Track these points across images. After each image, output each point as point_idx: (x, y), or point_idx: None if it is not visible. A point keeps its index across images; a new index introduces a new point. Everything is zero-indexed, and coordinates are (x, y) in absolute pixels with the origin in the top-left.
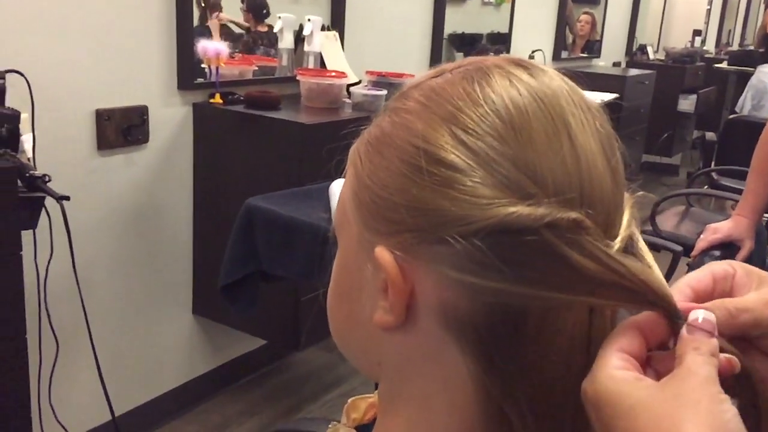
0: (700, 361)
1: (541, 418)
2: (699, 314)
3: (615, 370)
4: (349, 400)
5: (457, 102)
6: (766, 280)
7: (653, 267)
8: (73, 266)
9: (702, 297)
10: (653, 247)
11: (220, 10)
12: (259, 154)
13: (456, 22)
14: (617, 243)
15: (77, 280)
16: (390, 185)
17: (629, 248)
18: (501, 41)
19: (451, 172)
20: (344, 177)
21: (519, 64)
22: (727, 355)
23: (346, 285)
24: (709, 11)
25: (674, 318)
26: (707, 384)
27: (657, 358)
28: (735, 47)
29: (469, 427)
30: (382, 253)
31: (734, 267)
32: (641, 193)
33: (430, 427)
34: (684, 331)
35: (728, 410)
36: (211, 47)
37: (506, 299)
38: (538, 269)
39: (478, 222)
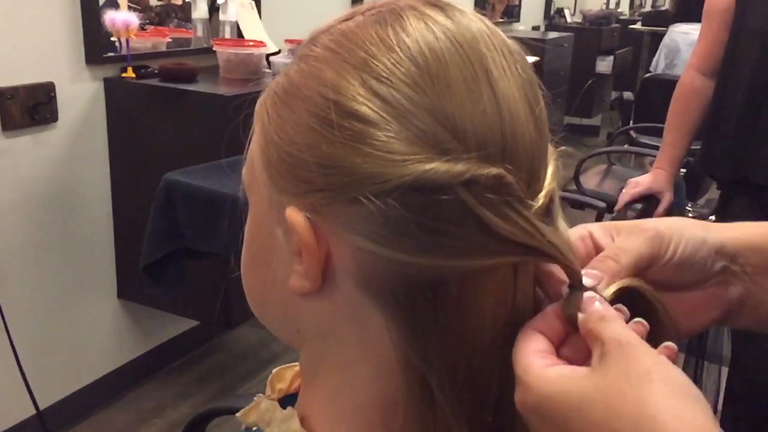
0: (619, 328)
1: (462, 387)
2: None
3: (543, 369)
4: (274, 371)
5: (370, 48)
6: (620, 227)
7: (564, 227)
8: None
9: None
10: (578, 205)
11: None
12: (177, 128)
13: None
14: (541, 198)
15: None
16: (299, 141)
17: (552, 203)
18: None
19: (364, 126)
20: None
21: (435, 4)
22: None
23: (258, 249)
24: None
25: (577, 284)
26: (646, 349)
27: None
28: (648, 8)
29: (393, 396)
30: (293, 215)
31: (588, 228)
32: (563, 148)
33: (353, 396)
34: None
35: (676, 369)
36: (120, 18)
37: (422, 270)
38: (453, 235)
39: (392, 180)
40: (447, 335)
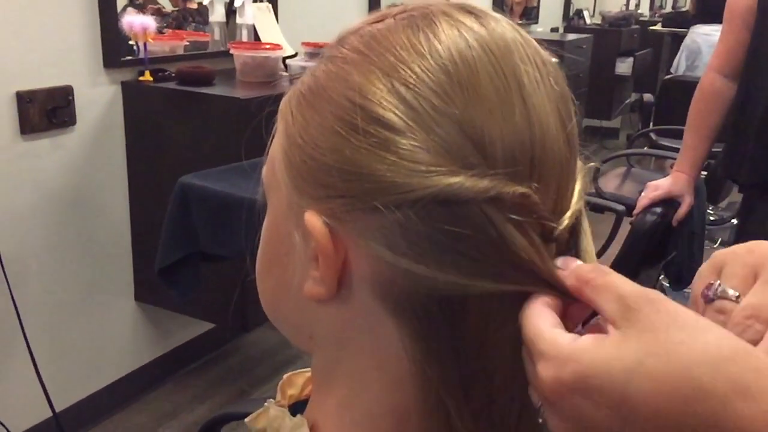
0: (634, 285)
1: (480, 409)
2: None
3: (574, 341)
4: (285, 376)
5: (400, 52)
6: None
7: (589, 247)
8: None
9: None
10: (597, 209)
11: None
12: (194, 131)
13: None
14: (566, 219)
15: (5, 273)
16: (322, 144)
17: (577, 222)
18: None
19: (389, 133)
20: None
21: (469, 11)
22: None
23: (274, 251)
24: None
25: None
26: (675, 303)
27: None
28: (668, 9)
29: (407, 407)
30: (312, 220)
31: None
32: (592, 164)
33: (365, 407)
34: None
35: None
36: (137, 22)
37: (442, 287)
38: (475, 253)
39: (414, 191)
40: (465, 359)
